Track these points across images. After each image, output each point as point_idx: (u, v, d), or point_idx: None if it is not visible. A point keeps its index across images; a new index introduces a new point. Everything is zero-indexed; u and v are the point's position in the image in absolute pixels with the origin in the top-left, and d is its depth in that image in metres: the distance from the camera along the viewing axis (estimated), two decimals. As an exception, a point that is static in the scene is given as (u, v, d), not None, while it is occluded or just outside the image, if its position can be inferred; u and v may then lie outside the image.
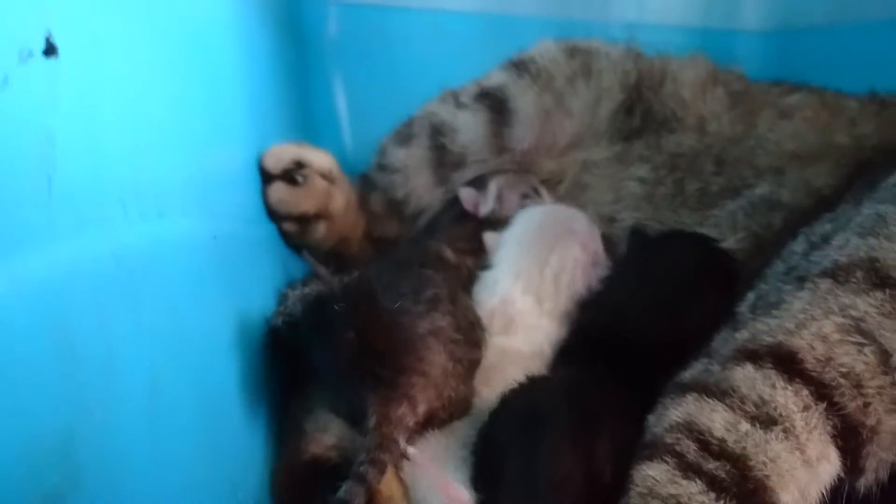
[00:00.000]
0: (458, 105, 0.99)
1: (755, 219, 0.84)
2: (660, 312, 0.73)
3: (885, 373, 0.54)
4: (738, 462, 0.53)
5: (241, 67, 0.90)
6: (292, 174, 0.91)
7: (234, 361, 0.71)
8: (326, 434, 0.73)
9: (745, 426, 0.54)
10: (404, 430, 0.64)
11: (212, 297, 0.69)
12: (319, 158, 0.95)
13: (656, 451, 0.56)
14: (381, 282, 0.73)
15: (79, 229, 0.48)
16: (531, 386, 0.68)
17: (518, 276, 0.82)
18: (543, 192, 0.98)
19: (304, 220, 0.93)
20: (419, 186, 1.01)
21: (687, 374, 0.62)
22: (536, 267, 0.83)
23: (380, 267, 0.86)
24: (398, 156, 1.01)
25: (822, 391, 0.55)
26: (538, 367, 0.76)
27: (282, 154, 0.92)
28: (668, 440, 0.56)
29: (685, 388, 0.60)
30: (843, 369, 0.55)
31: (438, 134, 0.99)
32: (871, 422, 0.55)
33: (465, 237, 0.94)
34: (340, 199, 0.96)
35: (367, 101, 1.21)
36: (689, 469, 0.54)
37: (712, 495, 0.52)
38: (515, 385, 0.67)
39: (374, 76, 1.21)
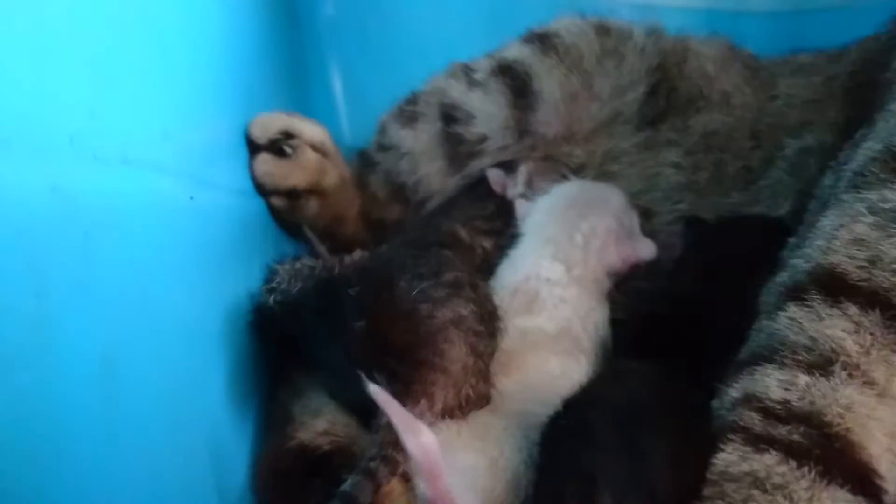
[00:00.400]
0: (472, 83, 0.89)
1: (795, 176, 0.79)
2: (732, 302, 0.65)
3: None
4: (811, 421, 0.47)
5: (230, 37, 0.84)
6: (280, 145, 0.84)
7: (211, 339, 0.65)
8: (317, 419, 0.65)
9: (803, 378, 0.48)
10: None
11: (186, 265, 0.62)
12: (310, 129, 0.88)
13: (720, 434, 0.50)
14: (397, 264, 0.67)
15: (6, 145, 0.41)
16: (622, 375, 0.61)
17: (548, 241, 0.76)
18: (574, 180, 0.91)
19: (293, 196, 0.86)
20: (431, 174, 0.91)
21: (743, 349, 0.56)
22: (567, 232, 0.76)
23: (393, 248, 0.80)
24: (403, 138, 0.91)
25: (873, 299, 0.49)
26: (565, 347, 0.69)
27: (269, 123, 0.85)
28: (731, 418, 0.50)
29: (741, 364, 0.53)
30: (895, 265, 0.49)
31: (451, 120, 0.89)
32: None
33: (483, 216, 0.86)
34: (334, 173, 0.89)
35: (364, 82, 1.14)
36: (758, 441, 0.47)
37: (793, 464, 0.45)
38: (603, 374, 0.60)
39: (372, 56, 1.14)
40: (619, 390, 0.57)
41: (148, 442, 0.51)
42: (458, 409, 0.61)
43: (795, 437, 0.47)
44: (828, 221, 0.54)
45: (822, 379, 0.48)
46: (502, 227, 0.85)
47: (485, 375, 0.64)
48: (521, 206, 0.83)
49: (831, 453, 0.46)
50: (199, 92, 0.73)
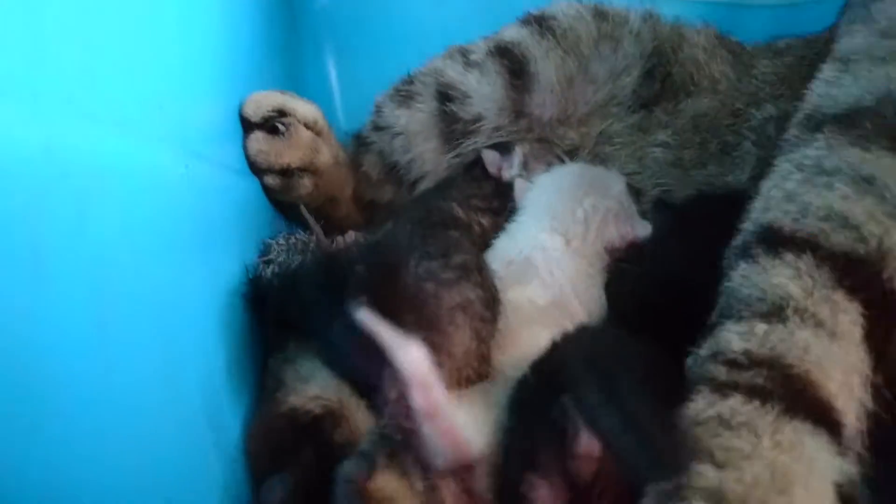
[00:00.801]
0: (469, 64, 0.90)
1: (759, 145, 0.82)
2: (708, 281, 0.66)
3: (867, 192, 0.52)
4: (773, 365, 0.49)
5: (226, 19, 0.85)
6: (273, 122, 0.85)
7: (205, 308, 0.65)
8: (309, 384, 0.66)
9: (760, 327, 0.51)
10: None
11: (179, 233, 0.63)
12: (304, 107, 0.89)
13: (690, 389, 0.51)
14: (405, 242, 0.66)
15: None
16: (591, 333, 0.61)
17: (548, 214, 0.76)
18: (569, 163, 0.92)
19: (287, 174, 0.87)
20: (425, 153, 0.92)
21: (712, 314, 0.57)
22: (569, 207, 0.76)
23: (400, 226, 0.79)
24: (398, 118, 0.92)
25: (804, 245, 0.53)
26: (557, 321, 0.69)
27: (263, 101, 0.86)
28: (697, 373, 0.51)
29: (709, 328, 0.55)
30: (822, 212, 0.53)
31: (446, 99, 0.90)
32: (873, 243, 0.51)
33: (480, 195, 0.87)
34: (327, 152, 0.90)
35: (359, 68, 1.15)
36: (724, 388, 0.49)
37: (756, 402, 0.47)
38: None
39: (366, 42, 1.15)
40: (588, 342, 0.58)
41: (142, 403, 0.51)
42: (456, 388, 0.61)
43: (759, 380, 0.49)
44: (766, 185, 0.58)
45: (779, 325, 0.50)
46: (499, 206, 0.85)
47: (486, 358, 0.64)
48: (519, 185, 0.84)
49: (793, 393, 0.48)
50: (194, 70, 0.74)
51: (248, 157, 0.85)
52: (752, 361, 0.50)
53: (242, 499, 0.60)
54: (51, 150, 0.45)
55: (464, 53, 0.91)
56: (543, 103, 0.89)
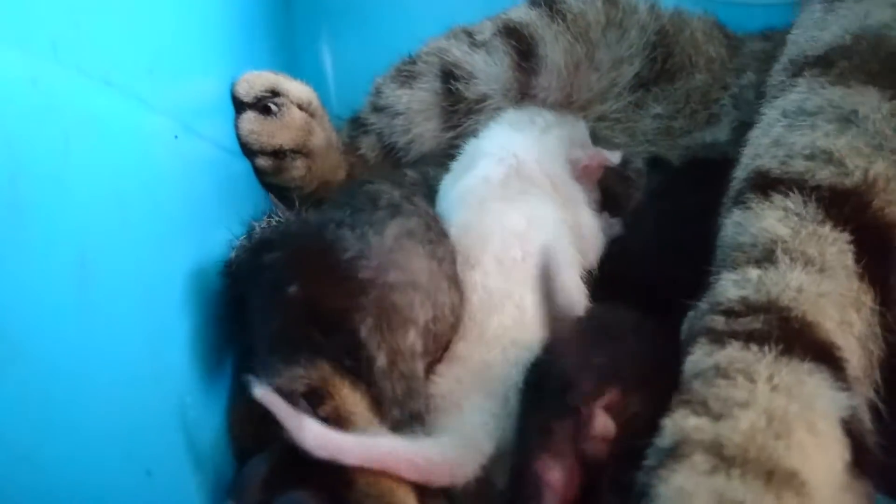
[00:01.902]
0: (475, 44, 0.90)
1: (739, 109, 0.84)
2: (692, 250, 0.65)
3: (847, 129, 0.53)
4: (769, 310, 0.48)
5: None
6: (266, 103, 0.83)
7: (189, 279, 0.63)
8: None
9: (753, 273, 0.51)
10: (420, 358, 0.57)
11: (167, 198, 0.61)
12: (297, 88, 0.87)
13: (688, 344, 0.51)
14: (323, 220, 0.64)
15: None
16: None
17: (515, 128, 0.76)
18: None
19: (279, 156, 0.85)
20: (425, 132, 0.91)
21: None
22: (526, 118, 0.76)
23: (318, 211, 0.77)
24: (400, 97, 0.91)
25: (791, 185, 0.53)
26: (520, 191, 0.68)
27: (255, 80, 0.84)
28: (697, 326, 0.51)
29: (709, 284, 0.55)
30: (806, 151, 0.54)
31: (451, 77, 0.89)
32: (858, 175, 0.52)
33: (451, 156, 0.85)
34: (320, 134, 0.88)
35: (354, 57, 1.14)
36: (722, 337, 0.48)
37: (754, 347, 0.47)
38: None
39: (362, 30, 1.14)
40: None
41: (122, 369, 0.49)
42: (443, 325, 0.61)
43: (756, 325, 0.48)
44: (753, 133, 0.59)
45: (771, 268, 0.50)
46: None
47: (455, 281, 0.63)
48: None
49: (790, 334, 0.48)
50: (186, 42, 0.73)
51: (239, 137, 0.83)
52: (748, 308, 0.49)
53: (226, 475, 0.58)
54: (39, 85, 0.43)
55: (469, 34, 0.91)
56: (549, 87, 0.88)
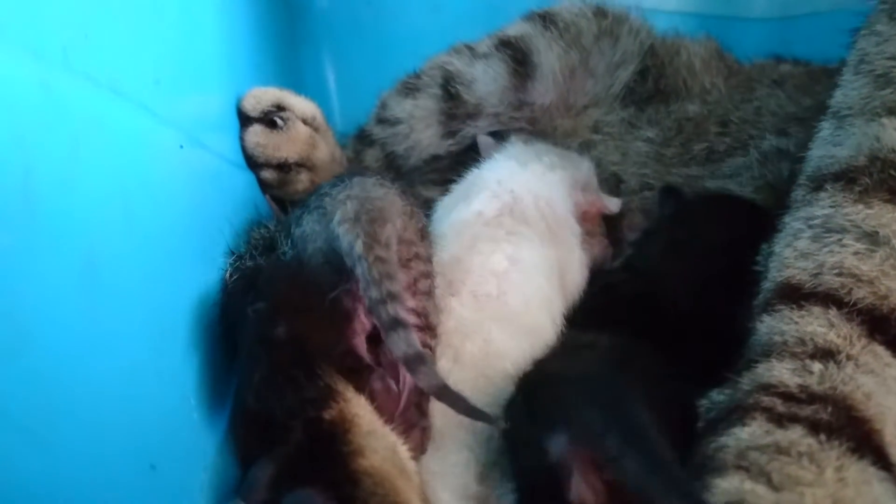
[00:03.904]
0: (475, 56, 0.93)
1: (768, 168, 0.82)
2: (699, 281, 0.67)
3: (875, 250, 0.53)
4: (837, 404, 0.48)
5: (225, 17, 0.86)
6: (272, 117, 0.85)
7: (193, 287, 0.64)
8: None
9: (816, 366, 0.50)
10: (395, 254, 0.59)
11: (172, 205, 0.62)
12: (302, 104, 0.89)
13: (738, 414, 0.50)
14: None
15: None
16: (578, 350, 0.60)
17: (519, 162, 0.76)
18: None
19: (284, 169, 0.87)
20: (424, 139, 0.94)
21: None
22: (532, 154, 0.76)
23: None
24: (404, 108, 0.94)
25: (828, 300, 0.53)
26: (511, 230, 0.68)
27: (262, 96, 0.86)
28: (749, 401, 0.50)
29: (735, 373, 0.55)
30: (835, 270, 0.54)
31: (452, 81, 0.92)
32: (893, 299, 0.52)
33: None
34: (325, 148, 0.90)
35: (357, 73, 1.17)
36: (782, 419, 0.48)
37: (822, 437, 0.47)
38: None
39: (365, 47, 1.17)
40: (577, 362, 0.57)
41: (127, 347, 0.51)
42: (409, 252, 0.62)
43: (822, 415, 0.48)
44: (778, 245, 0.59)
45: (834, 366, 0.50)
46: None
47: (424, 232, 0.67)
48: (483, 140, 0.86)
49: (859, 434, 0.47)
50: (192, 56, 0.75)
51: (245, 150, 0.85)
52: (812, 396, 0.49)
53: (231, 476, 0.59)
54: (50, 90, 0.45)
55: (470, 48, 0.94)
56: (545, 92, 0.91)
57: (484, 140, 0.89)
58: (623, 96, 0.92)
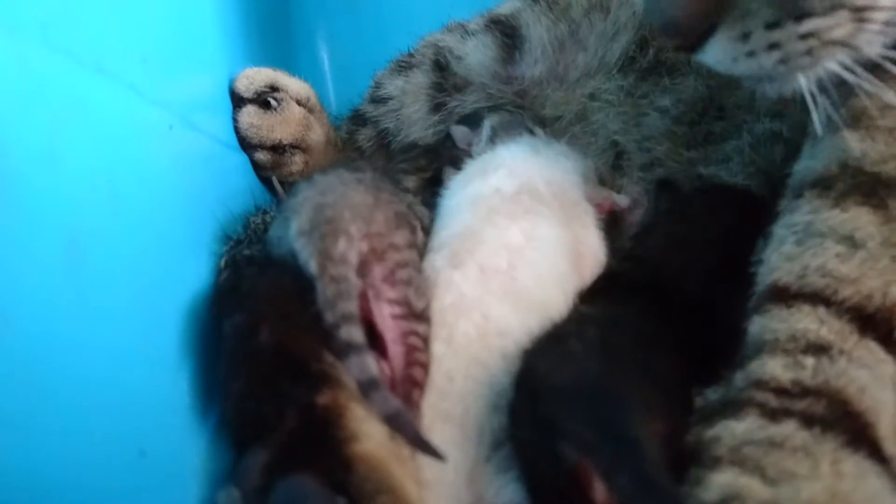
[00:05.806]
0: (466, 33, 0.93)
1: (760, 153, 0.81)
2: (699, 271, 0.67)
3: (854, 252, 0.53)
4: (831, 398, 0.48)
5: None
6: (265, 98, 0.84)
7: (184, 270, 0.63)
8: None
9: (808, 360, 0.50)
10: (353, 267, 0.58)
11: (162, 188, 0.61)
12: (296, 85, 0.88)
13: (732, 409, 0.50)
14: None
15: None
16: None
17: (533, 149, 0.75)
18: (540, 132, 0.91)
19: (278, 150, 0.85)
20: (413, 113, 0.93)
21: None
22: (553, 152, 0.75)
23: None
24: (396, 84, 0.94)
25: (815, 299, 0.53)
26: (528, 209, 0.67)
27: (255, 76, 0.85)
28: (743, 397, 0.50)
29: (734, 365, 0.55)
30: (819, 272, 0.54)
31: (443, 54, 0.93)
32: (877, 299, 0.52)
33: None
34: (319, 130, 0.89)
35: (352, 56, 1.15)
36: (776, 414, 0.48)
37: (815, 430, 0.47)
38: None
39: (359, 30, 1.15)
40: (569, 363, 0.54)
41: (114, 331, 0.50)
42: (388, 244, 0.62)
43: (817, 409, 0.48)
44: (766, 252, 0.59)
45: (827, 360, 0.50)
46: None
47: (400, 219, 0.66)
48: (457, 131, 0.86)
49: (854, 428, 0.47)
50: (182, 35, 0.74)
51: (238, 131, 0.84)
52: (805, 391, 0.49)
53: (223, 463, 0.58)
54: (28, 67, 0.43)
55: (462, 26, 0.94)
56: (533, 63, 0.90)
57: (457, 129, 0.88)
58: (622, 66, 0.90)
